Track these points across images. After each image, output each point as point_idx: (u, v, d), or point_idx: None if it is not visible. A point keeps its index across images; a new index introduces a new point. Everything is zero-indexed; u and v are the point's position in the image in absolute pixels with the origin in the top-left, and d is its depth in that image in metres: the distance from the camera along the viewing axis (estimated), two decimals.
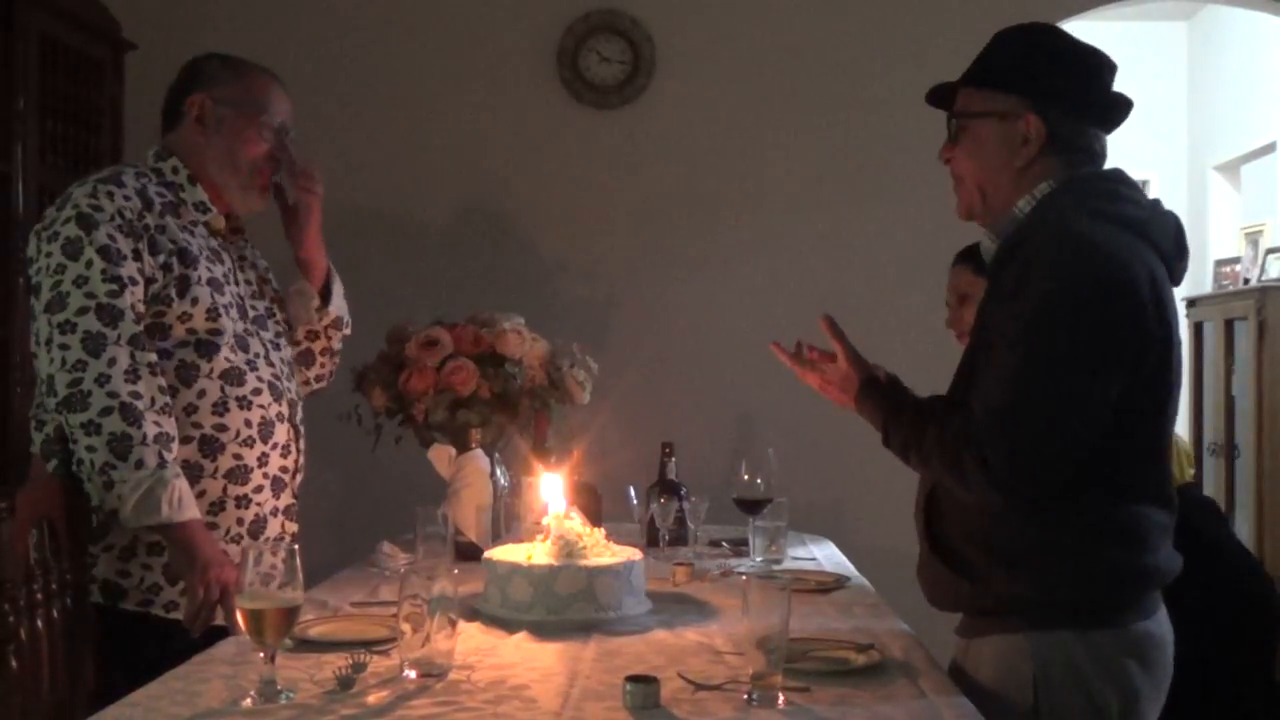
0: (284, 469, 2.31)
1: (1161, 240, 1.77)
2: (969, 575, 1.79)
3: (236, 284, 2.31)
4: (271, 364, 2.31)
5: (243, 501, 2.21)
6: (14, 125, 3.35)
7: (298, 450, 2.36)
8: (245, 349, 2.25)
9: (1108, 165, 1.87)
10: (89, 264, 2.06)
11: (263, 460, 2.24)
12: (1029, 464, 1.66)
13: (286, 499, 2.33)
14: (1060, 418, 1.66)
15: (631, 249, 4.18)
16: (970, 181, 1.87)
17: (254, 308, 2.34)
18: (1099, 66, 1.84)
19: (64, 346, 2.04)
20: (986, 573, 1.77)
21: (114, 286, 2.06)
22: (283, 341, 2.41)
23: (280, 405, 2.29)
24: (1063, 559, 1.72)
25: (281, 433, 2.29)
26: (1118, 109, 1.85)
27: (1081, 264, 1.67)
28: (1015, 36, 1.89)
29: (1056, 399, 1.65)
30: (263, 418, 2.24)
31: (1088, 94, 1.83)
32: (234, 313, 2.25)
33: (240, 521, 2.21)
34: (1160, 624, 1.80)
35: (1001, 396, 1.68)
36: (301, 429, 2.38)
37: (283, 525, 2.31)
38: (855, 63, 4.18)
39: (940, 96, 1.93)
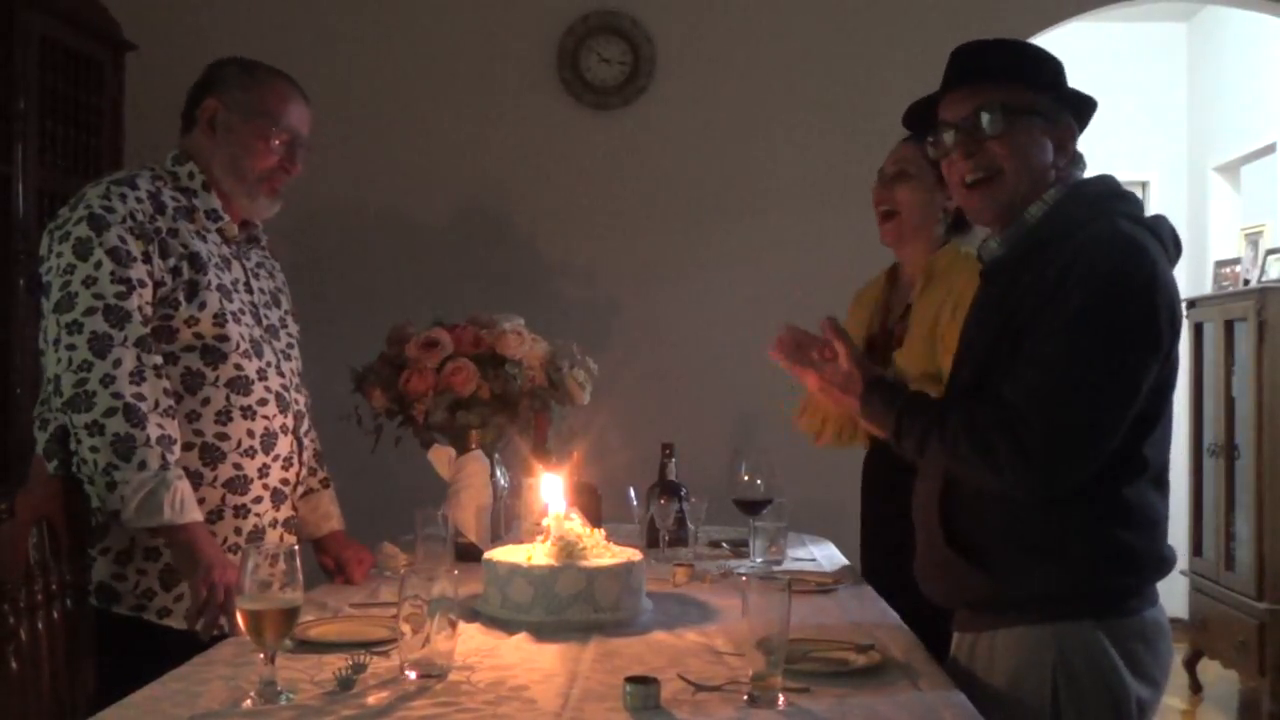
0: (285, 481, 2.30)
1: (1167, 241, 1.82)
2: (988, 568, 1.80)
3: (250, 292, 2.30)
4: (281, 374, 2.30)
5: (241, 511, 2.21)
6: (14, 126, 3.35)
7: (300, 463, 2.35)
8: (259, 355, 2.24)
9: (1105, 169, 1.92)
10: (98, 265, 2.06)
11: (263, 471, 2.24)
12: (1068, 448, 1.69)
13: (286, 511, 2.32)
14: (1101, 402, 1.69)
15: (632, 250, 4.18)
16: (1021, 175, 1.84)
17: (266, 316, 2.34)
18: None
19: (71, 346, 2.04)
20: (1009, 564, 1.78)
21: (122, 288, 2.06)
22: (293, 352, 2.40)
23: (285, 417, 2.29)
24: (1086, 546, 1.75)
25: (284, 445, 2.28)
26: (1090, 109, 1.92)
27: (1126, 260, 1.72)
28: (1023, 43, 1.96)
29: (1099, 384, 1.69)
30: (266, 429, 2.24)
31: (1077, 96, 1.90)
32: (247, 318, 2.24)
33: (238, 531, 2.20)
34: (1162, 612, 1.83)
35: (1042, 381, 1.70)
36: (305, 441, 2.38)
37: (281, 538, 2.30)
38: (855, 63, 4.18)
39: (918, 113, 1.96)
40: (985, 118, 1.82)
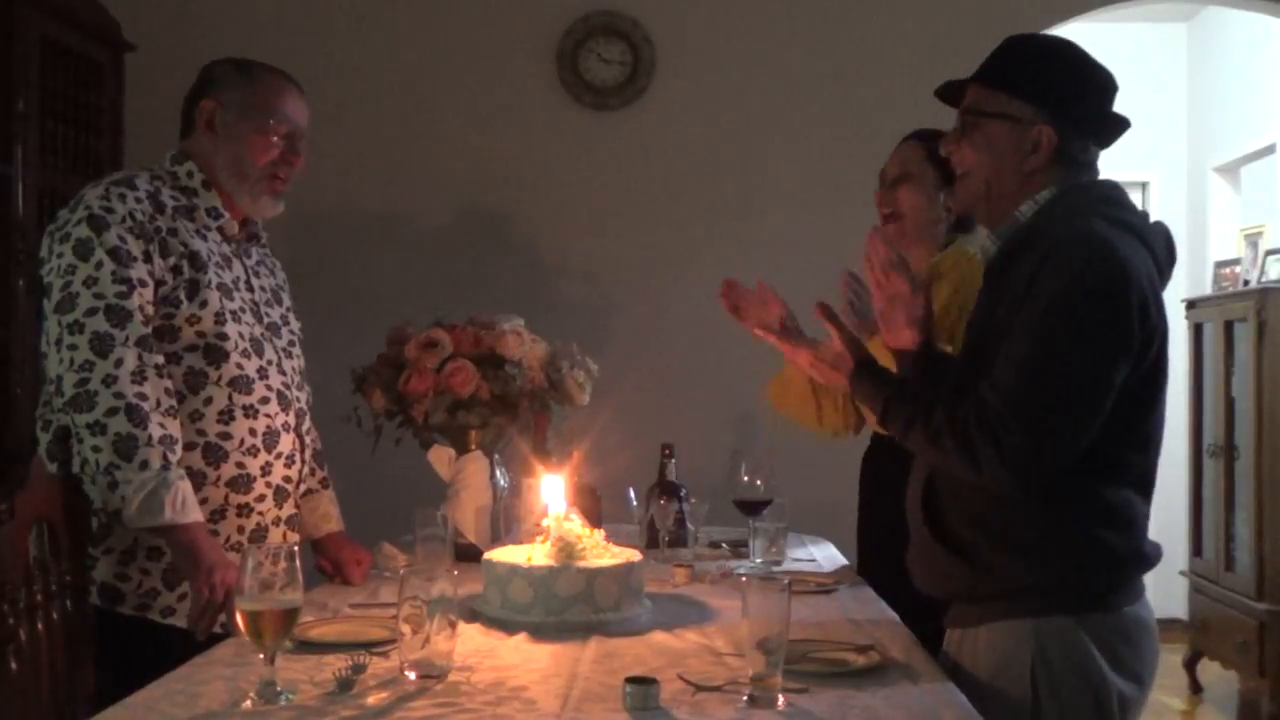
0: (287, 479, 2.30)
1: (1156, 245, 1.84)
2: (970, 560, 1.81)
3: (250, 290, 2.30)
4: (283, 372, 2.30)
5: (244, 510, 2.21)
6: (14, 127, 3.35)
7: (302, 461, 2.35)
8: (260, 354, 2.24)
9: (1104, 170, 1.93)
10: (99, 265, 2.06)
11: (266, 470, 2.24)
12: (1043, 446, 1.70)
13: (289, 509, 2.32)
14: (1073, 402, 1.71)
15: (631, 250, 4.18)
16: (977, 176, 1.91)
17: (267, 314, 2.34)
18: (1107, 85, 1.90)
19: (72, 347, 2.04)
20: (989, 558, 1.80)
21: (123, 288, 2.06)
22: (295, 350, 2.40)
23: (287, 415, 2.29)
24: (1064, 543, 1.77)
25: (287, 442, 2.28)
26: (1117, 128, 1.92)
27: (1094, 259, 1.73)
28: (1034, 45, 1.96)
29: (1069, 384, 1.70)
30: (268, 427, 2.24)
31: (1098, 112, 1.89)
32: (247, 317, 2.24)
33: (241, 530, 2.20)
34: (1147, 609, 1.85)
35: (1016, 381, 1.72)
36: (307, 439, 2.38)
37: (284, 535, 2.30)
38: (855, 63, 4.18)
39: (949, 92, 1.96)
40: (959, 121, 1.92)
